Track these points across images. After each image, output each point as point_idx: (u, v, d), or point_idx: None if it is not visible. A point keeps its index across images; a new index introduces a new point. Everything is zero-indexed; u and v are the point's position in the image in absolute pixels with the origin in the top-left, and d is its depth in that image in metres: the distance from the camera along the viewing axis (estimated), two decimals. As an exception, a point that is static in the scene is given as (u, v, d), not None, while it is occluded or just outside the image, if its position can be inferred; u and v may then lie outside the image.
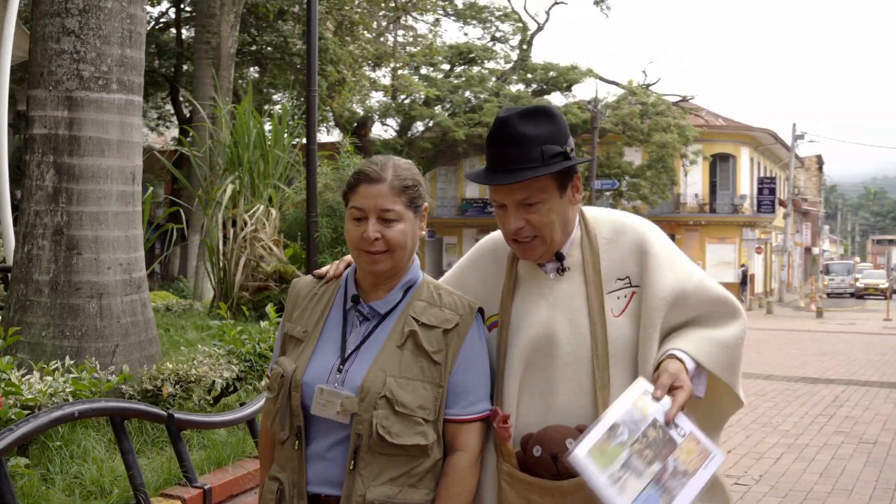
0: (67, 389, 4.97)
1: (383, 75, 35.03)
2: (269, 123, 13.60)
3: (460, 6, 41.68)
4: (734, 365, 2.53)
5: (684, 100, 41.86)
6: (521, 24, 42.44)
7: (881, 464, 8.15)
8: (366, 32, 26.01)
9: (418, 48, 35.60)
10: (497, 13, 42.81)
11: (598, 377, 2.44)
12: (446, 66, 42.20)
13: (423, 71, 41.14)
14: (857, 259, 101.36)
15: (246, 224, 12.47)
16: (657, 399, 2.32)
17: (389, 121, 40.77)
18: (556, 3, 41.31)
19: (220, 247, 12.61)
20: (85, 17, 6.03)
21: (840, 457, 8.43)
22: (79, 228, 6.03)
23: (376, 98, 37.85)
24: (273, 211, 12.78)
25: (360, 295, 2.50)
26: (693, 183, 45.32)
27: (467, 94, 39.79)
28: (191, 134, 14.38)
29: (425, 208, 2.52)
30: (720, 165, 46.76)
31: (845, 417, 10.62)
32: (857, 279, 59.16)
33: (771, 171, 51.74)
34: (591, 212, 2.66)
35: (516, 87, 41.79)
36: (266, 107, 25.77)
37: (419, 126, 40.92)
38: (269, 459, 2.57)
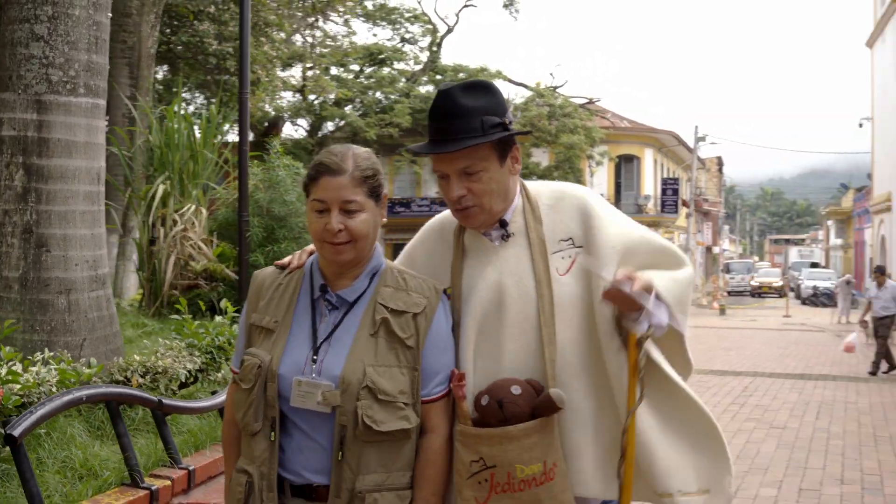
0: (54, 380, 5.24)
1: (292, 76, 35.08)
2: (198, 125, 13.79)
3: (370, 7, 41.92)
4: (685, 302, 2.60)
5: (590, 102, 42.88)
6: (430, 26, 42.88)
7: (791, 446, 8.88)
8: (281, 33, 26.12)
9: (328, 49, 35.73)
10: (406, 14, 43.21)
11: (544, 333, 2.51)
12: (356, 67, 42.40)
13: (334, 71, 41.27)
14: (756, 258, 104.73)
15: (176, 223, 12.66)
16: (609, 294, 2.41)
17: (300, 121, 40.80)
18: (465, 6, 41.86)
19: (148, 246, 12.77)
20: (54, 24, 6.28)
21: (754, 440, 9.12)
22: (48, 227, 6.28)
23: (287, 98, 37.89)
24: (203, 210, 13.00)
25: (326, 284, 2.50)
26: (599, 183, 46.38)
27: (378, 94, 40.05)
28: (119, 133, 14.44)
29: (385, 196, 2.54)
30: (625, 166, 47.93)
31: (755, 406, 11.38)
32: (753, 277, 61.17)
33: (674, 172, 53.25)
34: (531, 183, 2.75)
35: (426, 89, 42.24)
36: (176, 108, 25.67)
37: (329, 126, 41.04)
38: (234, 452, 2.58)
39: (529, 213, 2.63)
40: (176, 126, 12.86)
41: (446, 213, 2.74)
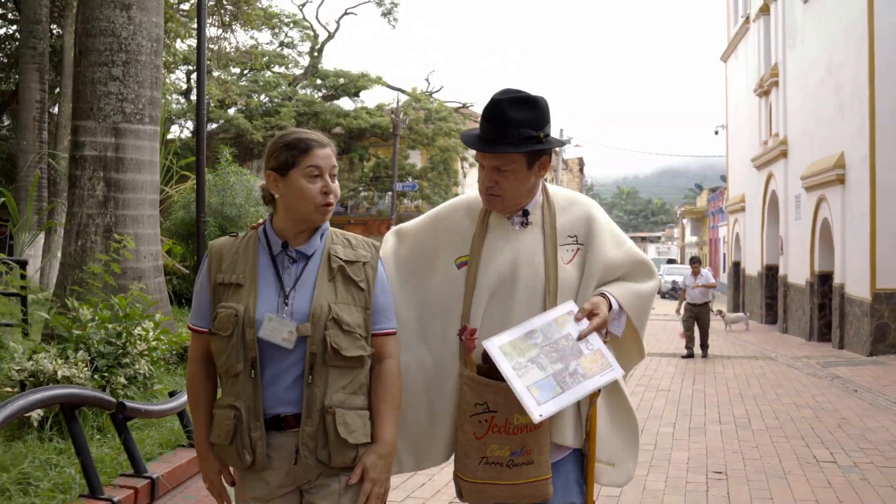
0: (163, 347, 6.91)
1: (178, 79, 35.94)
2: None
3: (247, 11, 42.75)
4: (644, 313, 3.11)
5: (464, 107, 44.89)
6: (311, 32, 44.08)
7: (677, 402, 11.28)
8: (178, 41, 27.23)
9: (209, 52, 36.62)
10: (286, 20, 44.20)
11: (548, 307, 2.94)
12: (236, 70, 43.23)
13: (215, 74, 42.11)
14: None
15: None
16: (577, 319, 2.88)
17: (186, 123, 41.58)
18: (345, 14, 43.29)
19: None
20: (126, 68, 7.97)
21: (647, 398, 11.45)
22: (123, 227, 7.96)
23: (174, 100, 38.68)
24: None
25: (287, 242, 2.83)
26: (471, 184, 48.10)
27: (263, 97, 41.12)
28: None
29: None
30: (495, 168, 50.04)
31: (642, 375, 13.77)
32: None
33: (539, 173, 55.76)
34: (550, 186, 3.15)
35: (305, 92, 43.37)
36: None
37: (213, 126, 41.88)
38: (204, 400, 2.90)
39: (547, 209, 3.07)
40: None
41: (470, 197, 3.17)
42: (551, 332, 2.84)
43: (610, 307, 2.95)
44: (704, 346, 16.95)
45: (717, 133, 38.10)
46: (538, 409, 2.71)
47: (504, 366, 2.75)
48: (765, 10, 26.49)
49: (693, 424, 9.63)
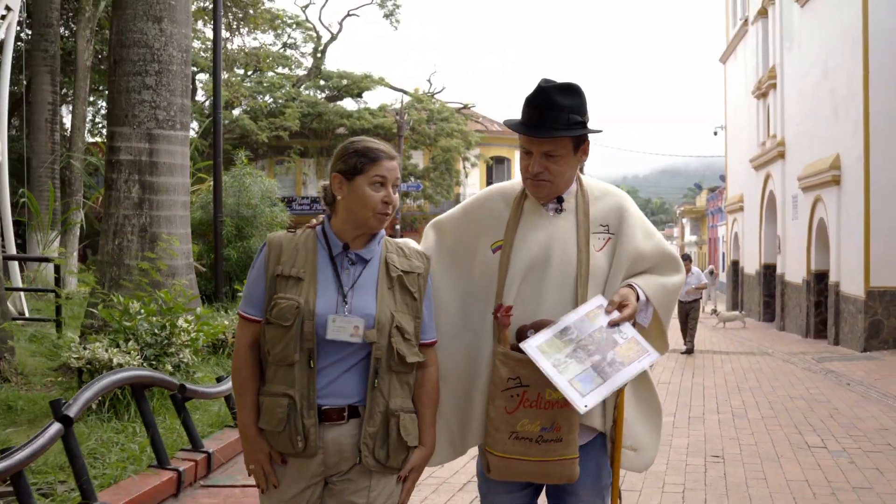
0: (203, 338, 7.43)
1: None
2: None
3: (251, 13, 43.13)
4: (670, 306, 3.17)
5: (465, 107, 45.29)
6: (314, 33, 44.48)
7: (677, 393, 11.94)
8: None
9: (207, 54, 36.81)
10: (289, 21, 44.55)
11: (579, 292, 3.01)
12: (240, 71, 43.60)
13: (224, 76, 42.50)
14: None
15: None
16: (608, 312, 2.94)
17: (192, 123, 41.99)
18: (348, 15, 43.76)
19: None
20: (159, 77, 8.48)
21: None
22: (157, 227, 8.48)
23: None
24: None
25: (347, 244, 2.94)
26: (472, 183, 48.68)
27: (267, 98, 41.50)
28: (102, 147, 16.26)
29: None
30: (496, 167, 50.44)
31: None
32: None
33: (541, 173, 56.07)
34: (584, 177, 3.24)
35: (308, 92, 43.77)
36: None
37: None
38: (252, 386, 2.96)
39: (581, 197, 3.15)
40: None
41: (504, 184, 3.29)
42: (584, 327, 2.89)
43: (637, 298, 3.02)
44: (690, 342, 17.32)
45: (716, 134, 38.47)
46: (583, 400, 2.78)
47: (544, 364, 2.81)
48: (763, 13, 26.99)
49: (692, 414, 10.13)
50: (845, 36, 18.56)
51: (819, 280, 20.80)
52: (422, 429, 2.98)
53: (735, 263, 33.65)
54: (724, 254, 39.04)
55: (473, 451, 3.25)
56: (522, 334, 2.93)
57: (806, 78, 22.00)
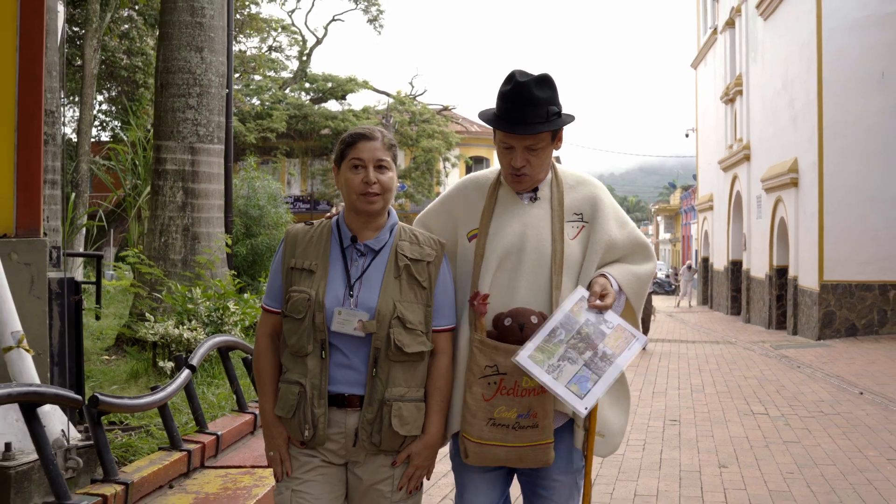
0: (235, 319, 8.83)
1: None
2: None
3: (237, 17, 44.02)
4: (642, 294, 3.20)
5: (446, 109, 46.44)
6: (299, 37, 45.54)
7: (644, 374, 13.33)
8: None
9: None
10: (275, 25, 45.44)
11: (553, 279, 3.04)
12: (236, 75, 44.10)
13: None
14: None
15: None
16: (590, 304, 2.95)
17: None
18: (333, 20, 44.88)
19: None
20: (200, 98, 9.87)
21: (650, 371, 13.38)
22: (198, 227, 9.86)
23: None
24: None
25: (355, 236, 2.96)
26: (452, 183, 49.36)
27: (255, 100, 42.55)
28: (118, 150, 17.65)
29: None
30: (475, 167, 51.52)
31: (638, 354, 15.74)
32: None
33: (519, 172, 57.18)
34: (559, 166, 3.24)
35: (294, 94, 44.77)
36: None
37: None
38: (271, 374, 3.03)
39: (555, 186, 3.16)
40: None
41: (478, 173, 3.30)
42: (571, 323, 2.90)
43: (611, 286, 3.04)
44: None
45: (687, 136, 39.99)
46: (581, 402, 2.82)
47: (540, 374, 2.81)
48: (730, 24, 28.60)
49: (656, 390, 11.66)
50: (803, 51, 20.13)
51: (780, 275, 22.38)
52: (427, 416, 2.98)
53: (706, 260, 35.23)
54: (696, 251, 40.64)
55: None
56: (499, 322, 2.97)
57: (769, 87, 23.57)
